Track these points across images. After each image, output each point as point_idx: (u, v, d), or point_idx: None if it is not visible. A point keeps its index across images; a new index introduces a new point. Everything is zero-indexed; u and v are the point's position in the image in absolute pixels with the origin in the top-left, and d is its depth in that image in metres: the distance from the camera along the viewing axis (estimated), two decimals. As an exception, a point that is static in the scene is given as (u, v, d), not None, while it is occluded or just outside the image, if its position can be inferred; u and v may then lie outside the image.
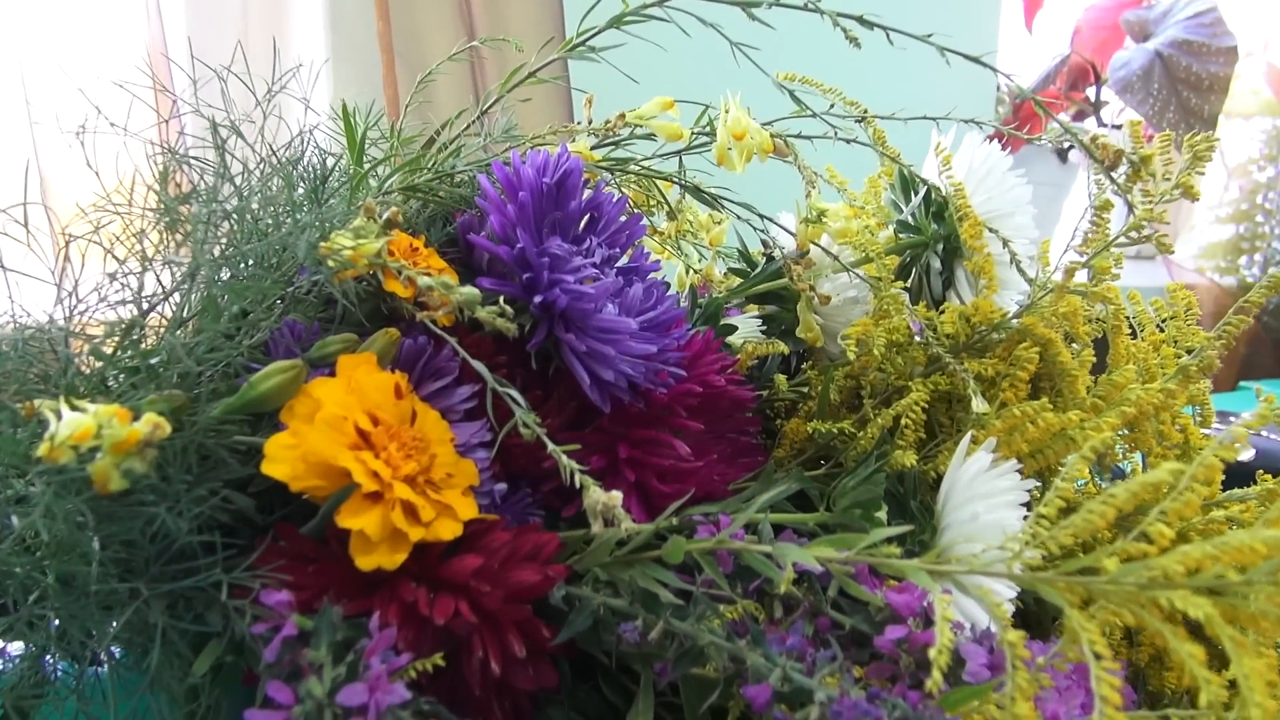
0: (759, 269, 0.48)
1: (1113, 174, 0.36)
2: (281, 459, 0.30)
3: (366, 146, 0.45)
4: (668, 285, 0.48)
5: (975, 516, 0.35)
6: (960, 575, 0.26)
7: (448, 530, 0.31)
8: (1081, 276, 0.41)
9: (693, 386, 0.40)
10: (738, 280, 0.52)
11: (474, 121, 0.46)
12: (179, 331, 0.33)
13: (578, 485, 0.30)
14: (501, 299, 0.35)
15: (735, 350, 0.46)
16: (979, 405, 0.37)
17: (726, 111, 0.44)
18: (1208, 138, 0.38)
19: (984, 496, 0.35)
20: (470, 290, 0.32)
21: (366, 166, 0.42)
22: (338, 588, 0.32)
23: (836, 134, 0.45)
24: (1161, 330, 0.45)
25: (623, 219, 0.43)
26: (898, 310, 0.40)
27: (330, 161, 0.37)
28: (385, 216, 0.37)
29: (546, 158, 0.40)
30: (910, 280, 0.49)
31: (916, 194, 0.47)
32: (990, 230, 0.42)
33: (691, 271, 0.57)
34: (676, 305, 0.45)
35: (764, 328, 0.49)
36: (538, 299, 0.36)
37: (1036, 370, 0.38)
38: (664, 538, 0.34)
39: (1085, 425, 0.36)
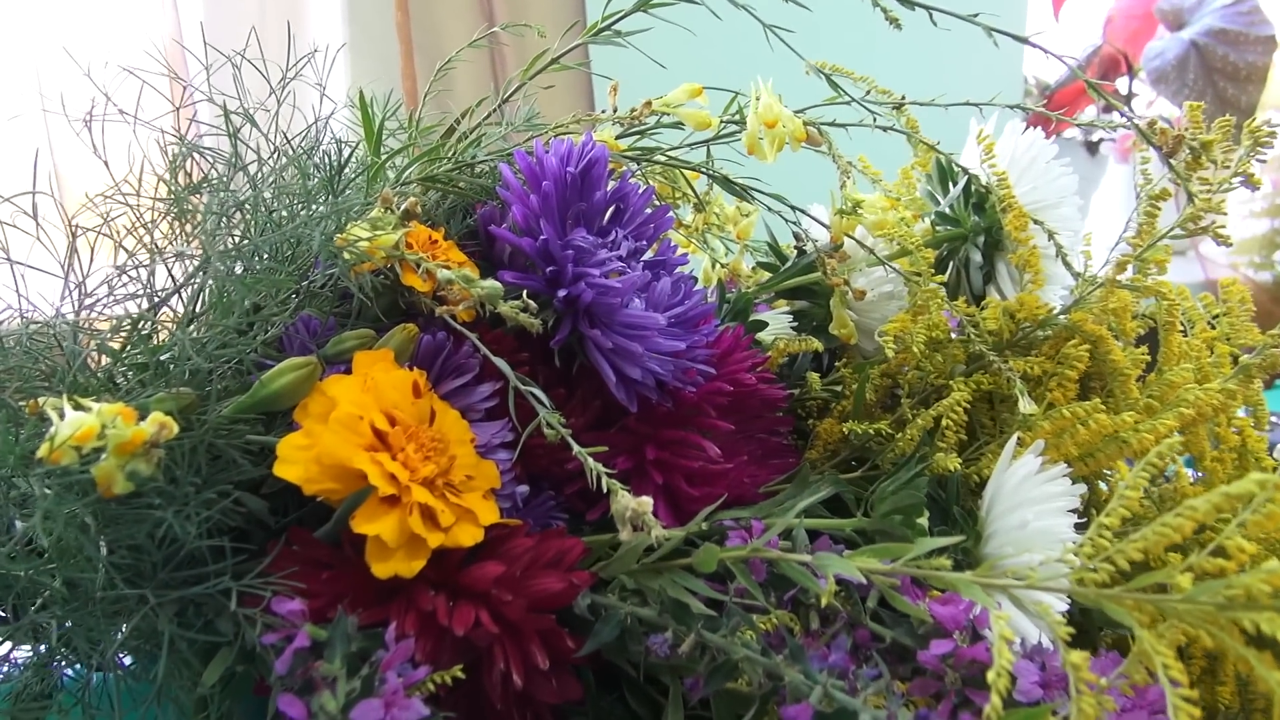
0: (790, 263, 0.47)
1: (1172, 161, 0.34)
2: (294, 460, 0.29)
3: (384, 137, 0.43)
4: (695, 280, 0.46)
5: (1024, 524, 0.33)
6: (1016, 589, 0.24)
7: (468, 536, 0.30)
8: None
9: (722, 385, 0.38)
10: (766, 275, 0.50)
11: (494, 110, 0.44)
12: (190, 327, 0.31)
13: (604, 489, 0.28)
14: (525, 294, 0.33)
15: (765, 347, 0.44)
16: (1026, 406, 0.35)
17: (758, 99, 0.42)
18: (1269, 123, 0.36)
19: (1033, 503, 0.34)
20: (493, 284, 0.30)
21: (384, 156, 0.41)
22: (353, 596, 0.30)
23: (875, 120, 0.43)
24: (1213, 327, 0.43)
25: (649, 210, 0.41)
26: (937, 306, 0.39)
27: (346, 151, 0.36)
28: (403, 207, 0.35)
29: (570, 146, 0.38)
30: (948, 275, 0.47)
31: (955, 184, 0.45)
32: (1035, 222, 0.40)
33: (718, 266, 0.55)
34: (705, 300, 0.43)
35: (795, 324, 0.47)
36: (562, 293, 0.35)
37: (1085, 369, 0.37)
38: (695, 544, 0.33)
39: (1140, 428, 0.34)
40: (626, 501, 0.27)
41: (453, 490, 0.31)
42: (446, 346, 0.37)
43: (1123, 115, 0.36)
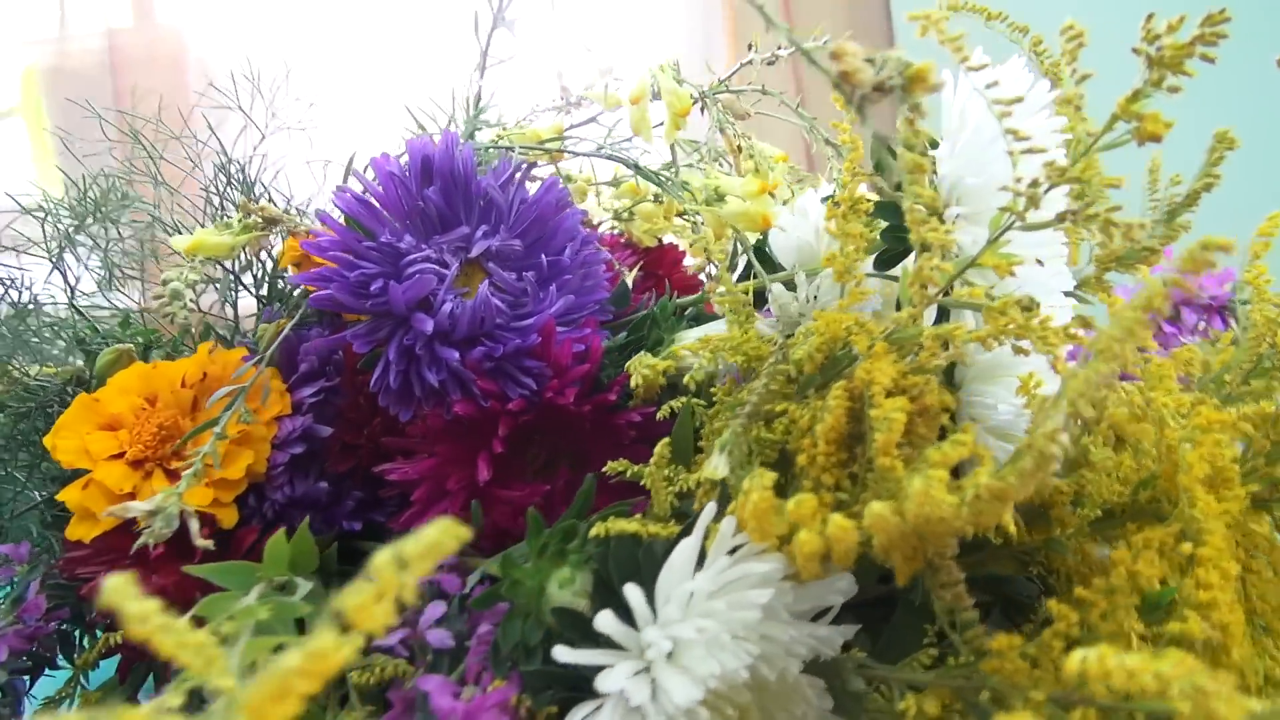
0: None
1: (863, 111, 0.21)
2: (54, 432, 0.35)
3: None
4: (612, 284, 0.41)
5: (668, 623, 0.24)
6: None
7: (148, 517, 0.33)
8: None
9: (513, 406, 0.34)
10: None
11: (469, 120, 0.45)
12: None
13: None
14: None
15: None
16: (714, 466, 0.25)
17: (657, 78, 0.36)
18: (1215, 18, 0.21)
19: (712, 595, 0.25)
20: (174, 285, 0.32)
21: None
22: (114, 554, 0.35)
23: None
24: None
25: (545, 208, 0.38)
26: (739, 320, 0.29)
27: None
28: (258, 213, 0.39)
29: (417, 145, 0.37)
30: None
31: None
32: (928, 210, 0.27)
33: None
34: (601, 306, 0.38)
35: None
36: (323, 293, 0.35)
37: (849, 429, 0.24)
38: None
39: (827, 516, 0.22)
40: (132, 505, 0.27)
41: (171, 475, 0.34)
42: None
43: (793, 45, 0.23)
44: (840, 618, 0.30)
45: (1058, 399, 0.20)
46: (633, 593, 0.24)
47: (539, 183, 0.40)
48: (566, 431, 0.36)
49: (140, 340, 0.42)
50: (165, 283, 0.33)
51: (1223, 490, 0.24)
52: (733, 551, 0.25)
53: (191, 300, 0.32)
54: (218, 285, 0.43)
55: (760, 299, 0.38)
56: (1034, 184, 0.22)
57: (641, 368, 0.31)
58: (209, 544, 0.28)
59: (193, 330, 0.36)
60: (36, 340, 0.41)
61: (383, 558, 0.19)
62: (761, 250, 0.37)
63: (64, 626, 0.35)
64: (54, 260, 0.38)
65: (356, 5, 1.15)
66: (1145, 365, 0.25)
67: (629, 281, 0.43)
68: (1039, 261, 0.30)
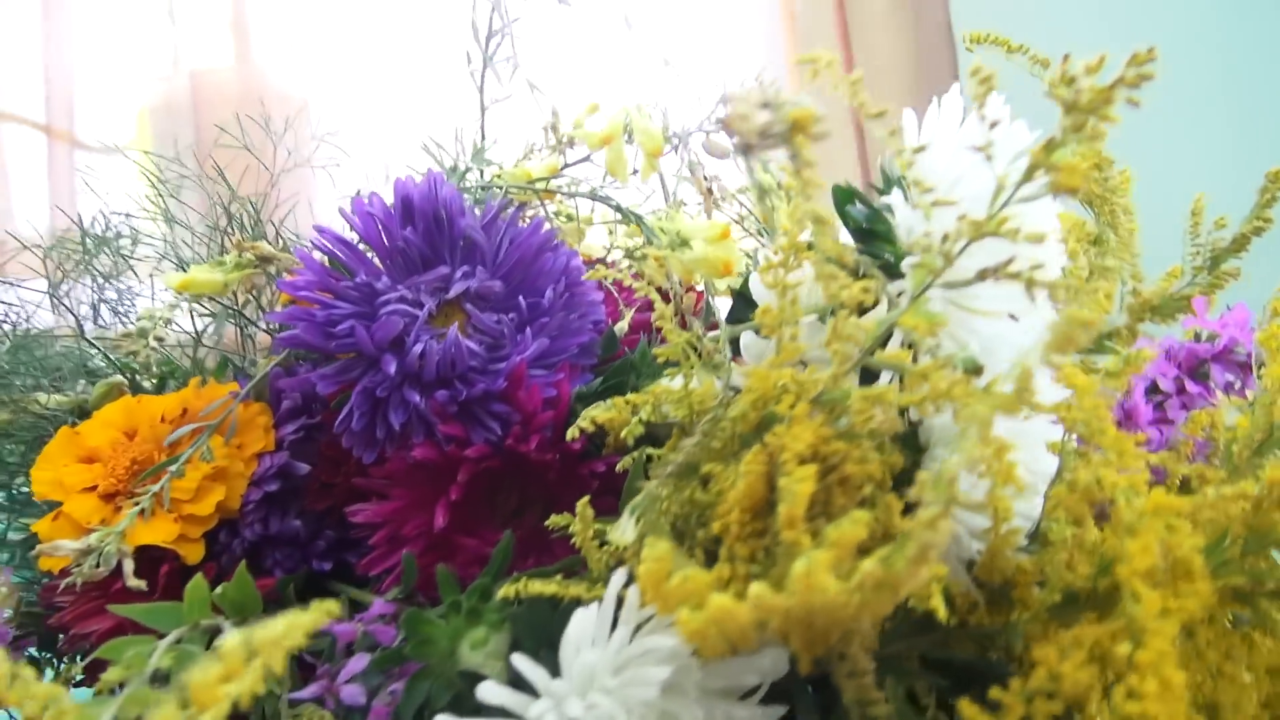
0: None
1: (747, 157, 0.19)
2: (37, 464, 0.36)
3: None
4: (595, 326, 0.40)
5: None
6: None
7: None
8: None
9: (471, 452, 0.33)
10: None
11: (474, 159, 0.45)
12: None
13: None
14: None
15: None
16: (620, 530, 0.23)
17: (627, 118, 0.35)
18: (1140, 58, 0.19)
19: (611, 671, 0.23)
20: (141, 324, 0.33)
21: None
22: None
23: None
24: None
25: (527, 250, 0.38)
26: (688, 371, 0.28)
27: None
28: (248, 252, 0.39)
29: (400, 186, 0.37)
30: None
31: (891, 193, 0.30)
32: (837, 263, 0.25)
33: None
34: (583, 350, 0.37)
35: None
36: (286, 334, 0.35)
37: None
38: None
39: (711, 592, 0.20)
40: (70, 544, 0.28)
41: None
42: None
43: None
44: (795, 694, 0.28)
45: (938, 479, 0.18)
46: (522, 662, 0.23)
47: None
48: (535, 478, 0.35)
49: (156, 372, 0.43)
50: (140, 319, 0.34)
51: (1182, 584, 0.21)
52: (643, 624, 0.24)
53: (156, 339, 0.33)
54: (232, 320, 0.44)
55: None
56: (946, 239, 0.20)
57: (583, 420, 0.29)
58: (141, 584, 0.29)
59: (154, 366, 0.36)
60: (38, 368, 0.43)
61: (232, 642, 0.18)
62: (744, 294, 0.35)
63: (41, 654, 0.35)
64: (53, 293, 0.40)
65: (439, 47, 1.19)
66: (1104, 435, 0.22)
67: (625, 324, 0.42)
68: (1012, 316, 0.27)
